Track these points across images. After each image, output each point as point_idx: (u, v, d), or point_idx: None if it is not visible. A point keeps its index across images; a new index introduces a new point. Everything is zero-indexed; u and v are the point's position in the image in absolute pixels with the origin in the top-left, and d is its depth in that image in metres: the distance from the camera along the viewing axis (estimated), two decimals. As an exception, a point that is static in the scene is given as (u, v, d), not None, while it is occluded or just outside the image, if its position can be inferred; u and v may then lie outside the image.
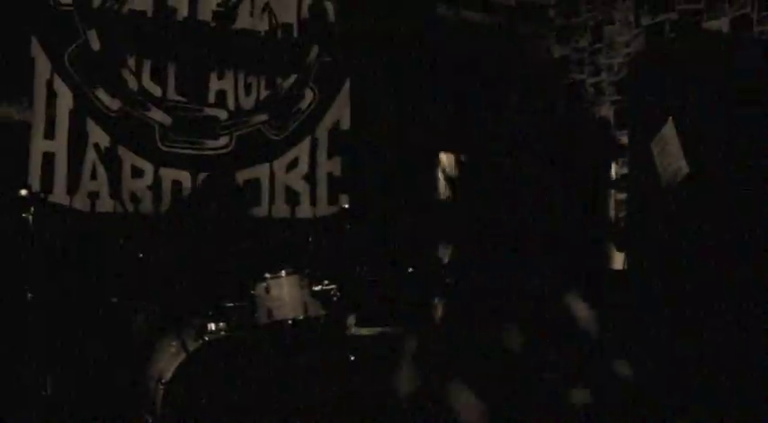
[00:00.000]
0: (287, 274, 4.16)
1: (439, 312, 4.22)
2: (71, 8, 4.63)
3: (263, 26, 5.31)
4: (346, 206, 5.44)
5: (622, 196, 5.71)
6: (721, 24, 5.10)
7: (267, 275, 4.14)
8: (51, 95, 4.57)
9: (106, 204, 4.67)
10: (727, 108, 4.17)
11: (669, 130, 4.43)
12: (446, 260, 4.19)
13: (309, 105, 5.48)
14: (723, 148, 4.18)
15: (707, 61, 4.34)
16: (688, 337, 4.15)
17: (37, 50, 4.53)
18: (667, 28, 5.46)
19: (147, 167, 4.86)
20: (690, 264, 4.30)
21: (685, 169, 4.31)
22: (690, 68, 4.43)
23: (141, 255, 3.97)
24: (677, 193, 4.36)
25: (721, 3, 5.12)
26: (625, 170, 5.59)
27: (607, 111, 6.03)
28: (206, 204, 4.54)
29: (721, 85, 4.21)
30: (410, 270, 5.30)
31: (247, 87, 5.24)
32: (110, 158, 4.69)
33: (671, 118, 4.38)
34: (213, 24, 5.11)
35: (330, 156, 5.55)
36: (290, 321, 4.06)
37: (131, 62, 4.84)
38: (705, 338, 4.07)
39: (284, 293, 4.11)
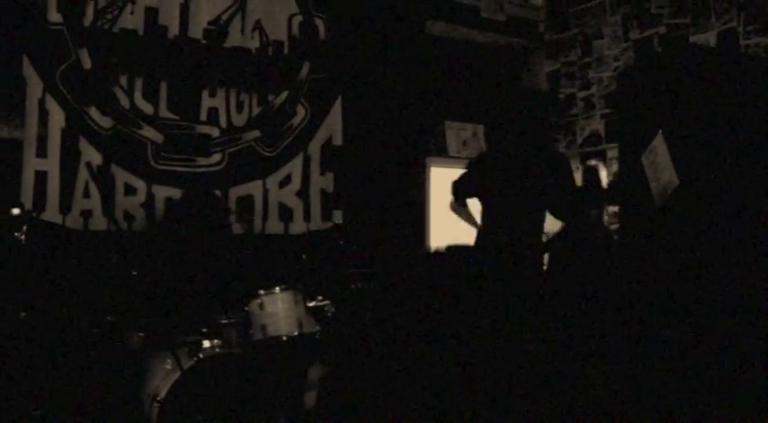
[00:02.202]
0: (281, 290, 4.15)
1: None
2: (62, 27, 4.64)
3: (254, 44, 5.34)
4: (339, 222, 5.47)
5: (615, 208, 5.74)
6: (708, 38, 5.16)
7: (261, 292, 4.13)
8: (43, 114, 4.57)
9: (99, 222, 4.66)
10: (715, 121, 4.20)
11: (659, 143, 4.45)
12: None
13: (301, 122, 5.50)
14: (713, 160, 4.21)
15: (695, 74, 4.38)
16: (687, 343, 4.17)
17: (29, 70, 4.54)
18: (656, 42, 5.52)
19: (140, 185, 4.86)
20: (680, 276, 4.32)
21: (676, 182, 4.34)
22: (678, 81, 4.46)
23: (135, 272, 3.95)
24: (668, 206, 4.38)
25: (708, 17, 5.18)
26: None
27: (597, 124, 6.08)
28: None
29: (710, 98, 4.24)
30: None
31: (239, 105, 5.26)
32: (102, 176, 4.69)
33: (661, 131, 4.41)
34: (204, 42, 5.13)
35: (323, 172, 5.56)
36: (284, 337, 4.05)
37: (123, 80, 4.85)
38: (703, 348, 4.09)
39: (279, 309, 4.10)
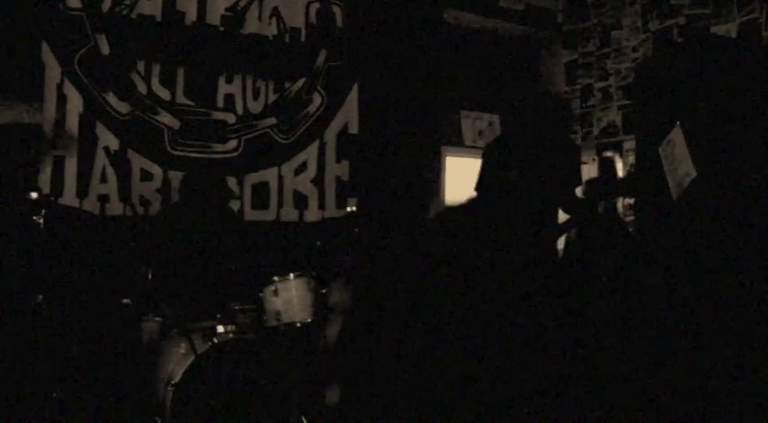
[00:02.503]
0: (295, 276, 4.17)
1: None
2: (81, 13, 4.67)
3: (271, 30, 5.34)
4: (354, 209, 5.47)
5: (630, 201, 5.70)
6: (729, 29, 5.10)
7: (276, 278, 4.15)
8: (61, 99, 4.60)
9: (116, 207, 4.69)
10: (735, 113, 4.16)
11: (677, 135, 4.42)
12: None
13: (317, 109, 5.50)
14: (732, 153, 4.17)
15: (715, 66, 4.34)
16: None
17: (47, 55, 4.57)
18: (675, 32, 5.47)
19: (156, 170, 4.89)
20: (697, 268, 4.29)
21: (693, 174, 4.30)
22: (698, 73, 4.42)
23: (151, 257, 3.98)
24: (685, 198, 4.35)
25: (729, 7, 5.12)
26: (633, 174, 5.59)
27: (615, 115, 6.04)
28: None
29: (730, 90, 4.20)
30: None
31: (256, 91, 5.27)
32: (119, 162, 4.72)
33: (679, 123, 4.38)
34: (222, 28, 5.14)
35: (338, 159, 5.57)
36: (298, 324, 4.07)
37: (141, 66, 4.87)
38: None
39: (293, 296, 4.12)
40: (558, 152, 4.25)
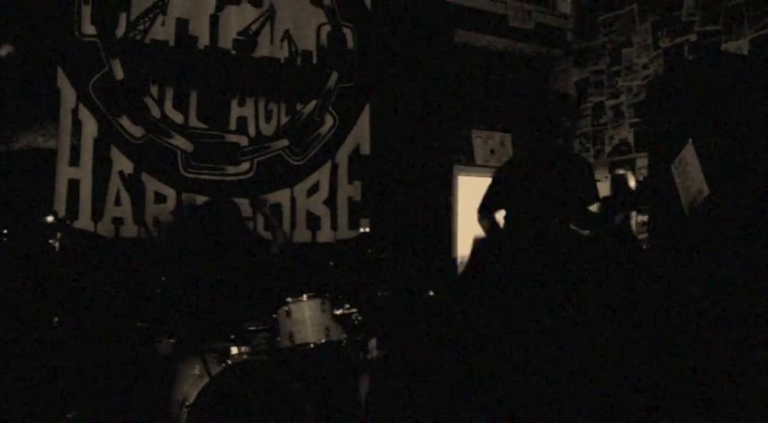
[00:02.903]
0: (308, 297, 4.17)
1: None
2: (95, 39, 4.73)
3: (282, 53, 5.39)
4: (367, 230, 5.48)
5: (643, 218, 5.68)
6: (741, 45, 5.10)
7: (289, 299, 4.16)
8: (76, 124, 4.66)
9: (130, 230, 4.73)
10: (747, 129, 4.15)
11: (689, 152, 4.41)
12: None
13: (329, 131, 5.53)
14: (744, 170, 4.15)
15: (727, 83, 4.33)
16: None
17: (62, 80, 4.63)
18: (686, 49, 5.47)
19: (170, 193, 4.93)
20: (711, 285, 4.26)
21: (706, 191, 4.29)
22: (710, 90, 4.42)
23: (164, 279, 4.00)
24: (698, 216, 4.33)
25: (740, 24, 5.12)
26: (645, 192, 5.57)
27: (626, 133, 6.03)
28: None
29: (741, 107, 4.19)
30: (431, 293, 5.30)
31: (268, 114, 5.31)
32: (133, 185, 4.76)
33: (691, 140, 4.37)
34: (234, 52, 5.19)
35: (351, 180, 5.59)
36: (311, 345, 4.07)
37: (154, 90, 4.92)
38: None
39: (306, 317, 4.12)
40: (571, 171, 4.24)
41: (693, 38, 5.43)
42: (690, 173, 4.36)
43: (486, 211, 4.47)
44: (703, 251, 4.32)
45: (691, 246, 4.42)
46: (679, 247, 4.56)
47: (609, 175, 6.15)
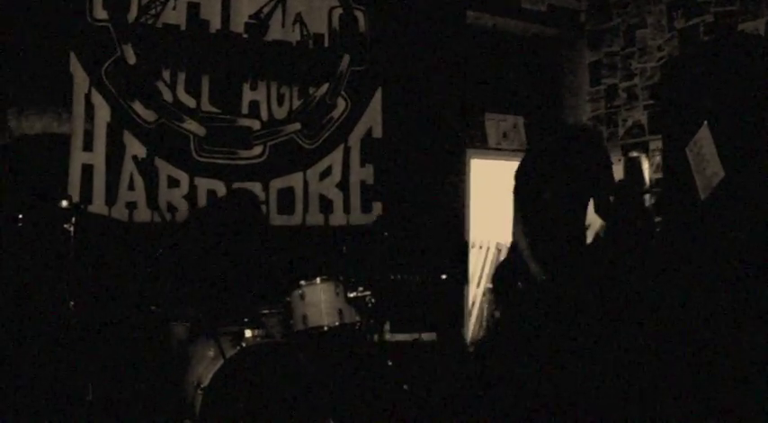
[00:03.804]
0: (322, 281, 4.19)
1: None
2: (107, 24, 4.73)
3: (294, 37, 5.37)
4: (380, 213, 5.49)
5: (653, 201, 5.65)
6: (757, 26, 5.03)
7: (302, 282, 4.18)
8: (89, 109, 4.67)
9: (143, 214, 4.75)
10: (763, 111, 4.11)
11: (704, 134, 4.38)
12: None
13: (342, 114, 5.53)
14: (760, 152, 4.12)
15: (743, 64, 4.29)
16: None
17: (75, 66, 4.64)
18: (702, 30, 5.40)
19: (183, 177, 4.94)
20: (726, 270, 4.23)
21: (721, 174, 4.26)
22: (725, 71, 4.37)
23: (179, 263, 4.03)
24: (712, 198, 4.30)
25: (757, 4, 5.04)
26: (659, 175, 5.53)
27: (640, 115, 5.98)
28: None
29: (758, 89, 4.15)
30: (443, 276, 5.31)
31: (280, 97, 5.30)
32: (147, 169, 4.78)
33: (706, 122, 4.34)
34: (246, 36, 5.18)
35: (363, 164, 5.58)
36: (325, 328, 4.09)
37: (166, 75, 4.92)
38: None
39: (319, 300, 4.14)
40: (589, 161, 4.19)
41: (709, 18, 5.36)
42: (705, 155, 4.33)
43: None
44: (718, 235, 4.30)
45: (705, 229, 4.40)
46: (693, 231, 4.54)
47: (622, 158, 6.10)
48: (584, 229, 4.17)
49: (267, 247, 4.57)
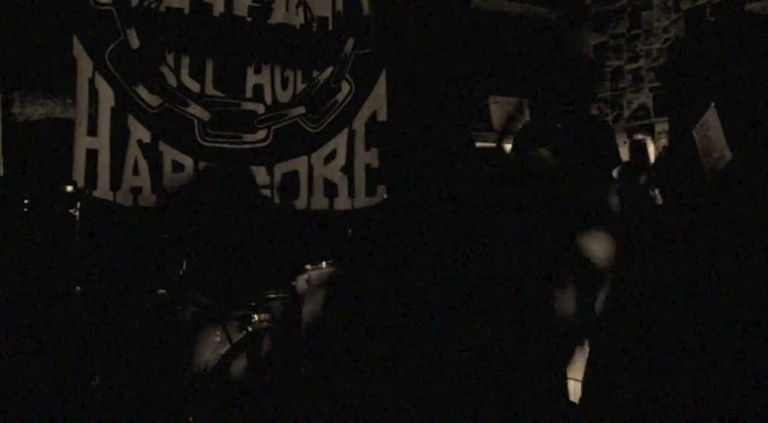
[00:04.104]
0: (327, 265, 4.19)
1: None
2: (111, 8, 4.71)
3: (298, 20, 5.34)
4: (384, 197, 5.48)
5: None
6: (764, 6, 4.99)
7: (308, 267, 4.17)
8: (93, 93, 4.66)
9: (148, 199, 4.75)
10: (770, 92, 4.09)
11: (711, 116, 4.35)
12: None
13: (346, 97, 5.51)
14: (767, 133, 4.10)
15: (750, 45, 4.26)
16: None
17: (79, 50, 4.62)
18: (708, 11, 5.37)
19: (188, 162, 4.94)
20: (733, 257, 4.22)
21: (728, 157, 4.24)
22: (732, 52, 4.34)
23: (184, 246, 4.03)
24: (719, 181, 4.29)
25: (764, -16, 5.01)
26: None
27: (646, 98, 5.96)
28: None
29: (765, 69, 4.12)
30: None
31: (284, 81, 5.29)
32: (151, 154, 4.78)
33: (713, 104, 4.31)
34: (249, 19, 5.16)
35: (368, 147, 5.57)
36: (331, 312, 4.09)
37: (170, 59, 4.91)
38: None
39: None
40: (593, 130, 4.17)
41: (716, -1, 5.33)
42: (712, 137, 4.30)
43: None
44: (725, 218, 4.29)
45: (711, 214, 4.38)
46: (698, 213, 4.53)
47: (627, 141, 6.08)
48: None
49: (271, 230, 4.58)
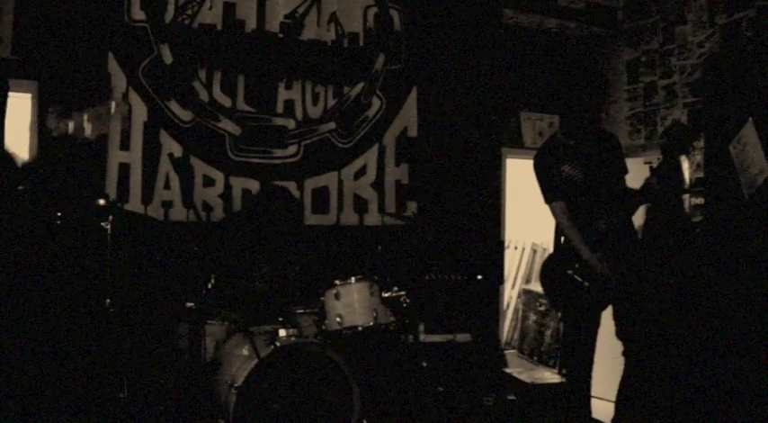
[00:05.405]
0: (356, 280, 4.17)
1: None
2: (145, 24, 4.78)
3: (329, 36, 5.37)
4: (415, 213, 5.46)
5: (698, 201, 5.52)
6: (803, 20, 4.89)
7: (337, 282, 4.16)
8: (127, 108, 4.71)
9: (179, 213, 4.78)
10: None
11: (749, 131, 4.27)
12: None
13: (377, 113, 5.50)
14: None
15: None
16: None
17: (113, 65, 4.69)
18: (744, 26, 5.28)
19: (218, 176, 4.96)
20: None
21: (766, 172, 4.15)
22: (769, 67, 4.26)
23: (214, 261, 4.04)
24: (757, 197, 4.19)
25: (802, -2, 4.91)
26: (701, 174, 5.41)
27: (680, 113, 5.86)
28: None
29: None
30: (479, 277, 5.25)
31: (315, 97, 5.30)
32: (182, 168, 4.81)
33: (751, 119, 4.23)
34: (281, 35, 5.19)
35: (398, 163, 5.55)
36: (359, 328, 4.06)
37: (202, 74, 4.95)
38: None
39: (354, 300, 4.12)
40: (605, 142, 4.11)
41: (752, 13, 5.23)
42: (749, 153, 4.22)
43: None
44: (763, 235, 4.19)
45: (750, 230, 4.29)
46: (737, 230, 4.43)
47: (660, 157, 5.98)
48: (627, 212, 4.02)
49: (302, 246, 4.57)
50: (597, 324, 3.95)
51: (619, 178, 4.05)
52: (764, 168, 4.09)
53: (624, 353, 3.98)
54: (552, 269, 4.08)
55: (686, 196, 5.64)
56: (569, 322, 4.30)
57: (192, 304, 3.91)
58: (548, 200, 4.09)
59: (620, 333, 3.99)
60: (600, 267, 3.81)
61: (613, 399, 4.14)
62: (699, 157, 5.54)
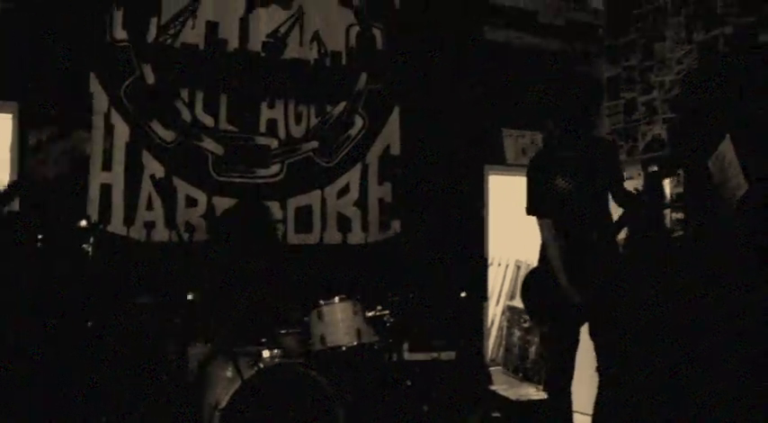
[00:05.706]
0: (340, 300, 4.16)
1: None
2: (127, 44, 4.77)
3: (312, 55, 5.38)
4: (398, 231, 5.46)
5: (678, 216, 5.57)
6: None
7: (321, 302, 4.15)
8: (109, 128, 4.70)
9: (162, 234, 4.76)
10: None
11: (727, 146, 4.32)
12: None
13: (359, 132, 5.52)
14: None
15: (763, 76, 4.24)
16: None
17: (95, 85, 4.68)
18: (721, 42, 5.35)
19: (201, 197, 4.95)
20: (750, 286, 4.16)
21: (744, 187, 4.20)
22: (746, 83, 4.32)
23: (196, 283, 4.02)
24: (736, 212, 4.24)
25: (777, 16, 4.99)
26: (680, 189, 5.46)
27: (660, 129, 5.92)
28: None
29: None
30: (462, 294, 5.26)
31: (297, 116, 5.31)
32: (165, 189, 4.78)
33: (728, 135, 4.28)
34: (263, 54, 5.20)
35: (381, 182, 5.56)
36: (343, 348, 4.05)
37: (185, 94, 4.95)
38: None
39: (338, 319, 4.11)
40: (599, 149, 4.11)
41: (729, 30, 5.30)
42: (728, 168, 4.27)
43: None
44: (742, 248, 4.23)
45: (729, 242, 4.33)
46: (717, 243, 4.48)
47: (642, 173, 6.03)
48: (610, 230, 4.02)
49: (283, 265, 4.55)
50: (577, 339, 3.96)
51: (615, 186, 4.03)
52: (742, 184, 4.15)
53: (597, 369, 3.99)
54: (534, 282, 4.10)
55: (667, 211, 5.69)
56: (548, 336, 4.31)
57: (174, 326, 3.88)
58: (533, 212, 4.08)
59: (596, 348, 4.00)
60: (575, 297, 3.82)
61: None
62: (679, 173, 5.60)
